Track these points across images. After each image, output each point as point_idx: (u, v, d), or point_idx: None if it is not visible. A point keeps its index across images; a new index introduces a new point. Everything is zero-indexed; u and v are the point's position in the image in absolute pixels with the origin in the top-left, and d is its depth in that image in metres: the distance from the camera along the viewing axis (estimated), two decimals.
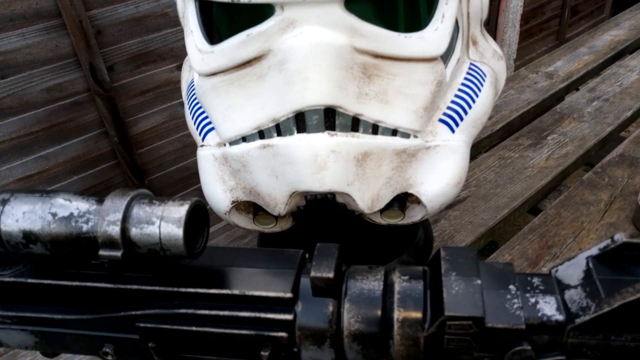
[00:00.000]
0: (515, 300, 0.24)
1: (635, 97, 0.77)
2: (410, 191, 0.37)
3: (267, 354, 0.25)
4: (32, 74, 1.01)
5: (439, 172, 0.37)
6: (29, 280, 0.28)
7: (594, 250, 0.24)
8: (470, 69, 0.39)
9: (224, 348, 0.26)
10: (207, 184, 0.39)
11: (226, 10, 0.34)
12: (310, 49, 0.30)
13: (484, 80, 0.39)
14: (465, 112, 0.38)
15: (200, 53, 0.35)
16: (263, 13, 0.31)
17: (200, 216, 0.26)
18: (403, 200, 0.38)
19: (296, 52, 0.30)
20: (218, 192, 0.38)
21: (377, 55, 0.32)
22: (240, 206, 0.39)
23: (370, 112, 0.33)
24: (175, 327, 0.26)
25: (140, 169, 1.26)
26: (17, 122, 1.03)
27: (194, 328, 0.26)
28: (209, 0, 0.32)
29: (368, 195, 0.35)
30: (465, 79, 0.38)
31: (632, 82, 0.81)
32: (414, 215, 0.39)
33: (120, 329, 0.28)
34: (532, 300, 0.24)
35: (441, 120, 0.37)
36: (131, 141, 1.22)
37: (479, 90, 0.39)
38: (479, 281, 0.24)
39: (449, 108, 0.37)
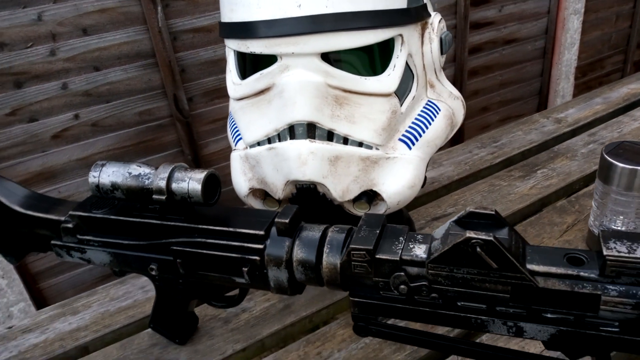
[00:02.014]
0: (400, 245, 0.36)
1: None
2: (373, 189, 0.49)
3: (246, 269, 0.39)
4: (129, 100, 1.25)
5: (395, 176, 0.49)
6: (111, 217, 0.43)
7: (455, 217, 0.36)
8: (427, 104, 0.52)
9: (220, 266, 0.40)
10: (234, 175, 0.54)
11: (250, 57, 0.50)
12: (298, 84, 0.44)
13: (437, 113, 0.52)
14: (420, 135, 0.51)
15: (234, 85, 0.50)
16: (271, 60, 0.46)
17: (214, 181, 0.40)
18: (371, 197, 0.51)
19: (289, 86, 0.45)
20: (241, 181, 0.53)
21: (345, 90, 0.46)
22: (256, 193, 0.53)
23: (341, 128, 0.46)
24: (194, 250, 0.41)
25: None
26: (114, 137, 1.26)
27: (204, 251, 0.40)
28: (239, 51, 0.48)
29: (339, 188, 0.48)
30: (422, 111, 0.51)
31: (632, 130, 0.88)
32: (379, 210, 0.51)
33: (161, 252, 0.43)
34: (411, 246, 0.36)
35: (400, 140, 0.50)
36: (202, 160, 1.42)
37: (432, 120, 0.51)
38: (377, 231, 0.36)
39: (407, 131, 0.50)
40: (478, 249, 0.32)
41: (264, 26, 0.43)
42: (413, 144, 0.50)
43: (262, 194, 0.53)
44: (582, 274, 0.31)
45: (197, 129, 1.38)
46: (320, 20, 0.42)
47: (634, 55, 2.77)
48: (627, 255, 0.30)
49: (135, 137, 1.29)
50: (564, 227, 0.64)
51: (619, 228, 0.58)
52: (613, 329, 0.32)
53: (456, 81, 1.89)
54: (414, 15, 0.46)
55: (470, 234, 0.32)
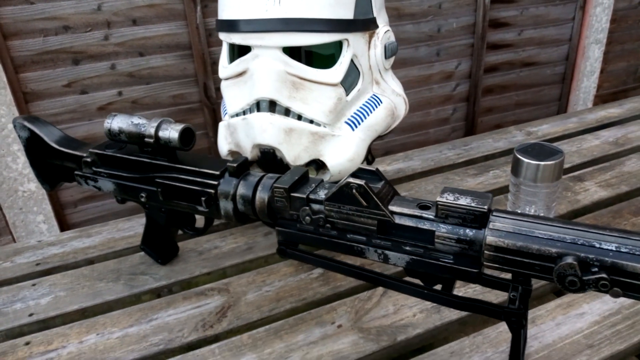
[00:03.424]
0: (310, 189, 0.48)
1: (583, 156, 0.91)
2: (320, 158, 0.61)
3: (204, 199, 0.52)
4: (166, 84, 1.41)
5: (338, 150, 0.61)
6: (118, 155, 0.57)
7: (352, 173, 0.47)
8: (371, 97, 0.63)
9: (187, 196, 0.53)
10: (219, 140, 0.67)
11: (236, 47, 0.63)
12: (263, 69, 0.57)
13: (379, 104, 0.63)
14: (362, 120, 0.62)
15: (223, 68, 0.64)
16: (247, 49, 0.59)
17: (190, 133, 0.53)
18: (319, 165, 0.63)
19: (257, 70, 0.57)
20: (223, 144, 0.66)
21: (301, 78, 0.58)
22: (233, 154, 0.66)
23: (296, 107, 0.59)
24: (170, 182, 0.54)
25: None
26: (150, 115, 1.43)
27: (177, 184, 0.54)
28: (226, 42, 0.61)
29: (292, 153, 0.60)
30: (367, 102, 0.63)
31: (590, 147, 0.95)
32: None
33: (149, 184, 0.56)
34: (318, 190, 0.47)
35: (346, 122, 0.62)
36: None
37: (374, 109, 0.62)
38: (296, 177, 0.48)
39: (352, 116, 0.62)
40: (354, 190, 0.43)
41: (242, 24, 0.57)
42: (356, 126, 0.62)
43: (238, 155, 0.66)
44: (424, 215, 0.42)
45: (221, 115, 1.53)
46: (282, 22, 0.55)
47: None
48: (452, 202, 0.41)
49: (167, 116, 1.45)
50: None
51: None
52: (449, 261, 0.43)
53: (470, 96, 1.97)
54: (360, 25, 0.58)
55: (349, 179, 0.43)
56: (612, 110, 1.15)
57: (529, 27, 1.99)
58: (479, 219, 0.40)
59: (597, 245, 0.36)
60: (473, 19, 1.81)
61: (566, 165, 0.89)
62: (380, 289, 0.58)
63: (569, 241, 0.37)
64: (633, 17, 2.42)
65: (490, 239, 0.39)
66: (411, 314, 0.55)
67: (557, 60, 2.19)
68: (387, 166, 0.91)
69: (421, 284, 0.46)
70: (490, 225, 0.40)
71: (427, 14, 1.68)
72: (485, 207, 0.40)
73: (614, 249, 0.36)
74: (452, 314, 0.54)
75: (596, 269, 0.36)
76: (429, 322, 0.53)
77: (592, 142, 0.97)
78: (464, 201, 0.41)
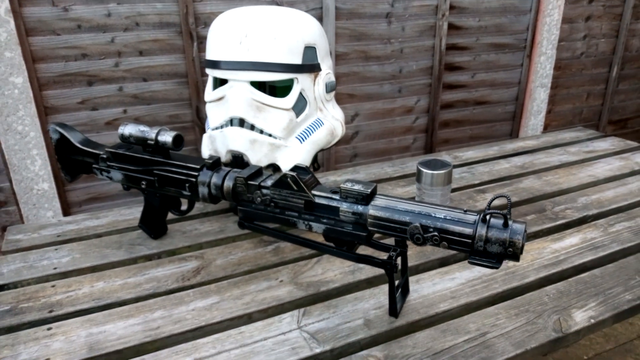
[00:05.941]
0: (262, 178, 0.66)
1: (492, 175, 1.12)
2: (276, 163, 0.81)
3: (188, 185, 0.71)
4: (164, 105, 1.61)
5: (289, 158, 0.80)
6: (127, 153, 0.76)
7: (291, 168, 0.66)
8: (316, 120, 0.83)
9: (176, 183, 0.72)
10: (202, 147, 0.86)
11: (217, 79, 0.83)
12: (236, 96, 0.76)
13: (321, 125, 0.83)
14: (308, 136, 0.82)
15: (208, 94, 0.83)
16: (225, 81, 0.79)
17: (180, 138, 0.73)
18: (275, 168, 0.82)
19: (231, 96, 0.77)
20: (205, 150, 0.85)
21: (263, 103, 0.78)
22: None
23: (258, 124, 0.78)
24: (163, 173, 0.73)
25: None
26: None
27: (169, 174, 0.72)
28: (212, 76, 0.81)
29: (255, 158, 0.79)
30: (312, 123, 0.83)
31: (500, 168, 1.16)
32: None
33: (148, 175, 0.75)
34: (267, 180, 0.66)
35: (296, 137, 0.81)
36: None
37: (317, 129, 0.82)
38: (253, 171, 0.67)
39: (300, 133, 0.82)
40: (288, 179, 0.63)
41: (222, 64, 0.77)
42: (304, 140, 0.82)
43: None
44: (333, 196, 0.61)
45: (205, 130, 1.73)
46: (250, 64, 0.75)
47: (606, 129, 3.01)
48: (349, 187, 0.60)
49: None
50: None
51: None
52: (349, 228, 0.62)
53: (428, 129, 2.19)
54: (307, 68, 0.79)
55: (285, 172, 0.63)
56: (530, 142, 1.36)
57: (481, 71, 2.24)
58: (366, 199, 0.59)
59: (433, 215, 0.56)
60: (431, 63, 2.04)
61: (475, 182, 1.09)
62: (315, 259, 0.77)
63: (417, 212, 0.57)
64: (576, 66, 2.69)
65: (371, 211, 0.59)
66: (333, 274, 0.73)
67: (508, 100, 2.43)
68: (337, 177, 1.10)
69: (334, 245, 0.64)
70: (372, 203, 0.59)
71: (391, 57, 1.91)
72: (369, 191, 0.59)
73: (442, 217, 0.55)
74: (362, 275, 0.73)
75: (432, 230, 0.55)
76: (345, 279, 0.72)
77: (503, 165, 1.18)
78: (357, 187, 0.60)
